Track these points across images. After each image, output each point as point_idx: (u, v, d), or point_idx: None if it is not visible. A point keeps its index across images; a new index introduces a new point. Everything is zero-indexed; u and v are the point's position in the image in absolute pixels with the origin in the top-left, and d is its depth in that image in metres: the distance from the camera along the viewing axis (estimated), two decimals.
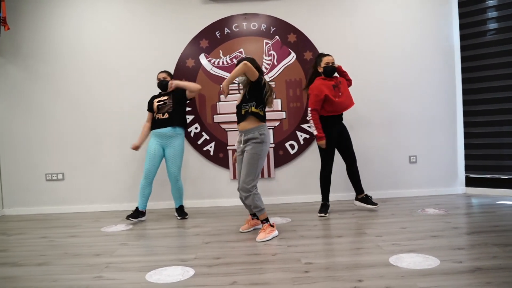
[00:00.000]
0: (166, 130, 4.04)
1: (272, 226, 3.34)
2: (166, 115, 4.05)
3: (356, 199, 4.13)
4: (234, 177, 4.71)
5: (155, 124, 4.10)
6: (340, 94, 3.88)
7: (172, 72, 4.62)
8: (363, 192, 4.09)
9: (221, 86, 4.48)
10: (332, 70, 3.87)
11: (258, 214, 3.33)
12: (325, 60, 3.88)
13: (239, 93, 3.53)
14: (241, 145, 3.37)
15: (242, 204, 3.45)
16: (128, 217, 4.01)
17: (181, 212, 4.20)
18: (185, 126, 4.21)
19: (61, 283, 2.47)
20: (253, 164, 3.27)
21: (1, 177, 4.79)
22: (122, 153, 4.72)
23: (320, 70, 3.91)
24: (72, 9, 4.71)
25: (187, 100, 4.21)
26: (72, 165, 4.77)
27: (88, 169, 4.77)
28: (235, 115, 3.45)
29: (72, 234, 3.71)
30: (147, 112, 4.26)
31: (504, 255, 2.58)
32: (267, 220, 3.34)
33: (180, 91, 4.15)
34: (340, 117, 3.99)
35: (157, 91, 4.32)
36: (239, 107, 3.37)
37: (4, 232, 3.90)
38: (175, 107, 4.08)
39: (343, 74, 4.06)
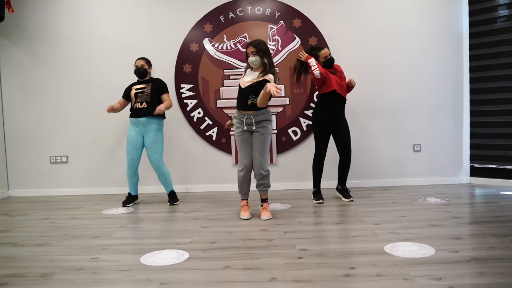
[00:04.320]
0: (143, 120, 4.01)
1: None
2: (144, 105, 3.99)
3: (337, 189, 4.18)
4: (236, 162, 4.71)
5: (133, 112, 4.05)
6: (338, 77, 3.88)
7: (176, 55, 4.62)
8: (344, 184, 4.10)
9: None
10: (331, 62, 3.86)
11: (265, 192, 3.55)
12: (322, 54, 3.84)
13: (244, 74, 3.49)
14: (250, 127, 3.37)
15: None
16: (124, 204, 4.08)
17: (172, 198, 4.17)
18: (163, 116, 4.16)
19: (58, 264, 2.51)
20: (268, 144, 3.44)
21: (7, 159, 4.85)
22: (126, 137, 4.73)
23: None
24: None
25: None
26: (76, 148, 4.81)
27: (92, 152, 4.80)
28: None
29: (74, 216, 3.76)
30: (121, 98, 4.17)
31: (502, 245, 2.55)
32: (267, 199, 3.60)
33: (159, 81, 4.11)
34: (339, 103, 3.92)
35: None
36: (245, 94, 3.34)
37: (8, 213, 3.97)
38: (153, 97, 4.03)
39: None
